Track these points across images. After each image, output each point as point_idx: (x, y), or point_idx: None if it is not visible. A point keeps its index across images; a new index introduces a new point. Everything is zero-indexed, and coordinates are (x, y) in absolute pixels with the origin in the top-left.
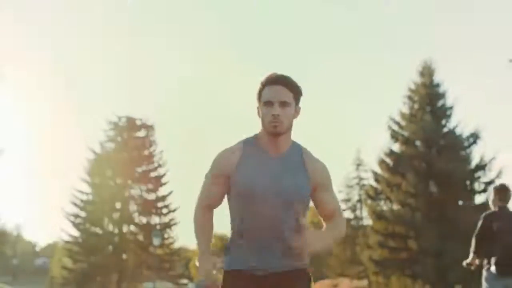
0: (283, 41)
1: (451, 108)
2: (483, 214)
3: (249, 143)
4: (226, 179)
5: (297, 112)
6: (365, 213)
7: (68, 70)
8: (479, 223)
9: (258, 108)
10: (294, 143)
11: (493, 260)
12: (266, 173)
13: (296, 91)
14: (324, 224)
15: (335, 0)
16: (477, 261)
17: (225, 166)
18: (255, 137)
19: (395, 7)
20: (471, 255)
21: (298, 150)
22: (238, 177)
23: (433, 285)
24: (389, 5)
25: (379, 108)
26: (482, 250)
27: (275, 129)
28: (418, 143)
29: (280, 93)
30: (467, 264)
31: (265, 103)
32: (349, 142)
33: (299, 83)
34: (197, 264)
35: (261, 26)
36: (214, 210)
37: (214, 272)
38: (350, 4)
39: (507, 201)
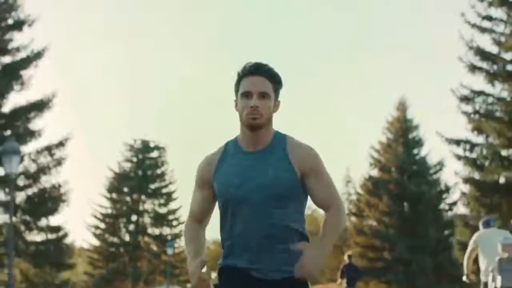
0: (284, 40)
1: (420, 140)
2: None
3: (231, 143)
4: (210, 187)
5: (276, 106)
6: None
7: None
8: None
9: (235, 100)
10: (276, 133)
11: None
12: (244, 171)
13: (276, 82)
14: (324, 215)
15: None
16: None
17: (205, 173)
18: (237, 136)
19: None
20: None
21: (281, 140)
22: (216, 182)
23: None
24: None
25: (369, 127)
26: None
27: (254, 122)
28: (393, 169)
29: (259, 84)
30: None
31: (243, 95)
32: (340, 158)
33: (281, 75)
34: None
35: (262, 26)
36: (206, 220)
37: (200, 271)
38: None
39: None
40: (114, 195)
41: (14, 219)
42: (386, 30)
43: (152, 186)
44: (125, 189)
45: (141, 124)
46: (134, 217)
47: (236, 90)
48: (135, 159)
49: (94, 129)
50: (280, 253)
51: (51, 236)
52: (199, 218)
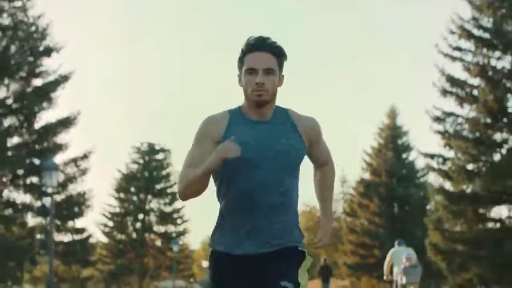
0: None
1: (408, 146)
2: None
3: (235, 112)
4: (213, 145)
5: (280, 80)
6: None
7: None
8: None
9: (239, 76)
10: (277, 107)
11: None
12: (258, 137)
13: (280, 56)
14: (316, 170)
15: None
16: None
17: (212, 132)
18: (240, 107)
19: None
20: None
21: (284, 112)
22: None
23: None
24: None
25: (365, 129)
26: None
27: (260, 98)
28: (383, 173)
29: (264, 60)
30: None
31: (247, 71)
32: (336, 159)
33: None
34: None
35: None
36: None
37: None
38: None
39: None
40: (122, 195)
41: (44, 221)
42: (386, 31)
43: (158, 186)
44: (132, 189)
45: (146, 128)
46: (140, 216)
47: (240, 66)
48: (141, 161)
49: (102, 132)
50: (279, 224)
51: (77, 236)
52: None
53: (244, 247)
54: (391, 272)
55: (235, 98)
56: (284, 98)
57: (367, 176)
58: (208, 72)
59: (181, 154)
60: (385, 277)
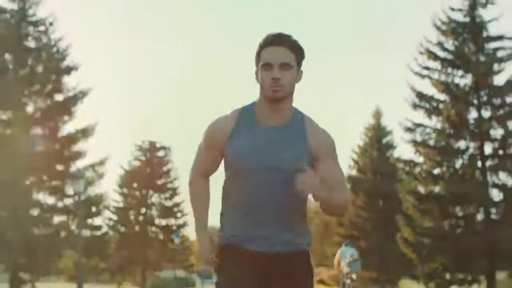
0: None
1: (392, 144)
2: None
3: (246, 111)
4: (219, 151)
5: (299, 76)
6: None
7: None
8: None
9: (256, 72)
10: (296, 110)
11: None
12: (261, 145)
13: (299, 52)
14: None
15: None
16: None
17: (217, 137)
18: (254, 104)
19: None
20: None
21: (300, 118)
22: (230, 150)
23: (378, 272)
24: None
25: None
26: None
27: (275, 94)
28: (368, 170)
29: (281, 55)
30: None
31: (264, 66)
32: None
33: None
34: (196, 238)
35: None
36: (212, 174)
37: (211, 252)
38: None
39: None
40: (125, 190)
41: (65, 218)
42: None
43: (159, 182)
44: (135, 185)
45: (148, 126)
46: (143, 210)
47: (257, 62)
48: (143, 158)
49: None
50: (286, 228)
51: (95, 233)
52: (203, 172)
53: (248, 244)
54: (339, 265)
55: (237, 95)
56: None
57: (354, 173)
58: (208, 72)
59: (180, 151)
60: (334, 268)
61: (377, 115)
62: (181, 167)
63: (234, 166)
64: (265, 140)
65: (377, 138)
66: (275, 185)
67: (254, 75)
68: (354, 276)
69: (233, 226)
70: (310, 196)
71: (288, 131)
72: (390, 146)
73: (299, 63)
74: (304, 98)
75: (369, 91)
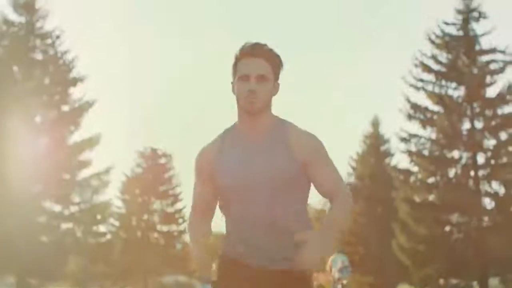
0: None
1: (390, 152)
2: None
3: (228, 132)
4: (211, 177)
5: (275, 88)
6: None
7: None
8: None
9: (232, 83)
10: (277, 119)
11: None
12: (245, 162)
13: (275, 64)
14: (329, 204)
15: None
16: None
17: (204, 164)
18: (234, 124)
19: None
20: None
21: (280, 128)
22: (216, 174)
23: (376, 277)
24: None
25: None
26: None
27: (252, 106)
28: (366, 177)
29: (257, 66)
30: None
31: (240, 78)
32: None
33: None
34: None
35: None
36: (210, 212)
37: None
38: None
39: None
40: (127, 197)
41: (71, 225)
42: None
43: (161, 189)
44: (137, 191)
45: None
46: (145, 216)
47: (234, 73)
48: (145, 165)
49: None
50: (283, 244)
51: (100, 239)
52: (202, 211)
53: (245, 260)
54: (330, 271)
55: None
56: (288, 90)
57: (352, 180)
58: (211, 81)
59: (182, 158)
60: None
61: (375, 123)
62: (183, 173)
63: (222, 185)
64: (248, 156)
65: (376, 146)
66: (265, 199)
67: (231, 87)
68: (344, 282)
69: (232, 240)
70: (310, 198)
71: (270, 142)
72: (388, 154)
73: (276, 75)
74: (304, 103)
75: (367, 100)
